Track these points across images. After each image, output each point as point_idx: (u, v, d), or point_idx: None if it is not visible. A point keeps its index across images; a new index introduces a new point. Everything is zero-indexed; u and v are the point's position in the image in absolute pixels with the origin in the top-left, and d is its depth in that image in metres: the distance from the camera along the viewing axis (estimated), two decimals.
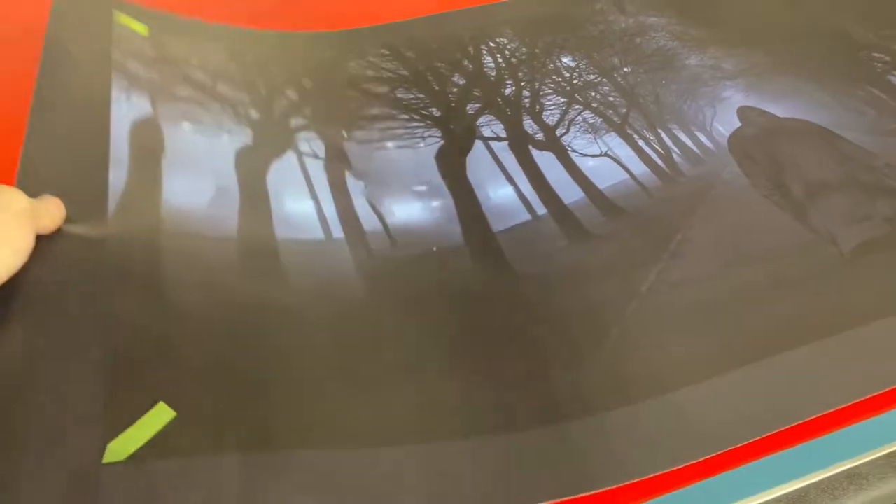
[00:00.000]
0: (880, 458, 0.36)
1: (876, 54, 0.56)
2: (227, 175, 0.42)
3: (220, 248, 0.38)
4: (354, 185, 0.44)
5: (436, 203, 0.43)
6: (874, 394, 0.34)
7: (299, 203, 0.42)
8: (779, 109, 0.50)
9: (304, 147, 0.46)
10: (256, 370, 0.32)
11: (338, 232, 0.40)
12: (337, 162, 0.45)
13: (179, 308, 0.33)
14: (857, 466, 0.38)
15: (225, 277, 0.36)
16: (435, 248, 0.40)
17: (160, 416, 0.28)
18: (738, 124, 0.49)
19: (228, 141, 0.45)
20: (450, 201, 0.44)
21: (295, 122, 0.48)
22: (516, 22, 0.60)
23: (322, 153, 0.46)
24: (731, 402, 0.33)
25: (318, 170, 0.44)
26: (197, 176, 0.42)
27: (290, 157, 0.45)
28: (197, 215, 0.39)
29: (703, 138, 0.48)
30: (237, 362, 0.32)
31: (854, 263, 0.39)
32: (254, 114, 0.48)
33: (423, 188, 0.44)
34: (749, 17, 0.60)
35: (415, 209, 0.43)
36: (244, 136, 0.45)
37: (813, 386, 0.34)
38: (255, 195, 0.42)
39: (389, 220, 0.42)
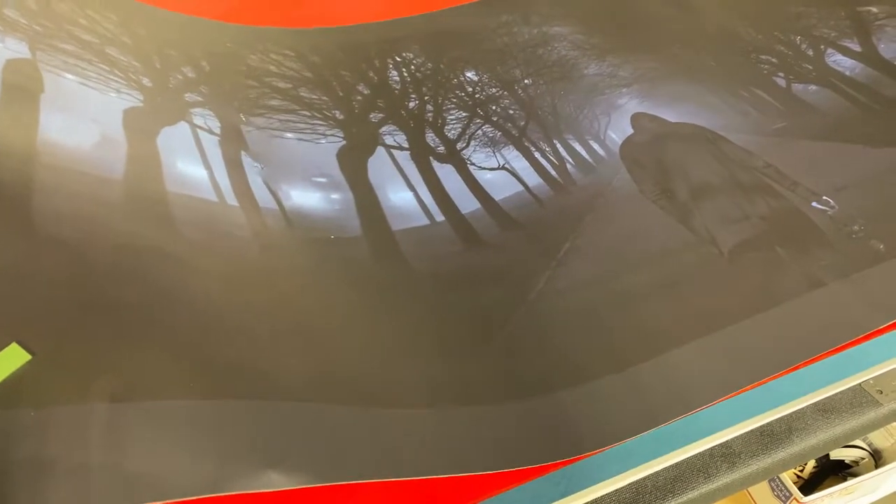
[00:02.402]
0: (752, 433, 0.38)
1: (763, 56, 0.58)
2: (114, 128, 0.41)
3: (103, 187, 0.36)
4: (250, 165, 0.44)
5: (335, 196, 0.44)
6: (748, 388, 0.36)
7: (192, 168, 0.41)
8: (670, 114, 0.52)
9: (198, 121, 0.45)
10: (134, 312, 0.30)
11: (232, 201, 0.40)
12: (233, 141, 0.45)
13: (48, 242, 0.31)
14: (729, 443, 0.40)
15: (105, 214, 0.34)
16: (332, 237, 0.41)
17: (12, 358, 0.26)
18: (631, 131, 0.51)
19: (117, 99, 0.44)
20: (349, 195, 0.44)
21: (190, 97, 0.48)
22: (423, 36, 0.61)
23: (217, 130, 0.45)
24: (610, 402, 0.35)
25: (212, 145, 0.44)
26: (80, 120, 0.40)
27: (182, 128, 0.44)
28: (79, 154, 0.37)
29: (596, 147, 0.50)
30: (112, 304, 0.30)
31: (732, 262, 0.42)
32: (146, 82, 0.47)
33: (323, 180, 0.45)
34: (646, 24, 0.62)
35: (313, 198, 0.43)
36: (133, 99, 0.45)
37: (688, 384, 0.36)
38: (144, 151, 0.41)
39: (286, 202, 0.42)
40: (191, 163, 0.41)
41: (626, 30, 0.62)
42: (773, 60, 0.58)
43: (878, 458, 0.72)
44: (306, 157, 0.46)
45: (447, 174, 0.48)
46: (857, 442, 0.73)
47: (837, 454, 0.73)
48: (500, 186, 0.47)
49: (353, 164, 0.46)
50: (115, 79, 0.45)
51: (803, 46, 0.59)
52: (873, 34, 0.60)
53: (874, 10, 0.62)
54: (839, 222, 0.43)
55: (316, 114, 0.50)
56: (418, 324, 0.36)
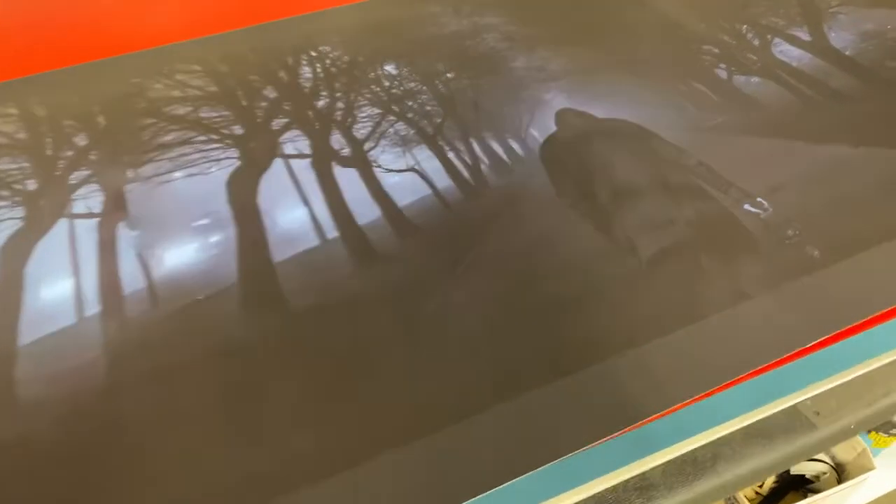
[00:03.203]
0: (672, 462, 0.35)
1: (706, 46, 0.54)
2: None
3: None
4: (127, 239, 0.40)
5: (215, 238, 0.40)
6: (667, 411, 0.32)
7: (57, 286, 0.37)
8: (600, 110, 0.48)
9: (78, 208, 0.41)
10: None
11: (93, 308, 0.36)
12: (113, 214, 0.41)
13: None
14: (646, 474, 0.36)
15: None
16: (202, 297, 0.36)
17: None
18: (554, 128, 0.47)
19: None
20: (231, 232, 0.40)
21: (76, 176, 0.44)
22: (346, 28, 0.57)
23: (98, 208, 0.41)
24: (515, 429, 0.31)
25: (88, 230, 0.40)
26: None
27: (59, 231, 0.40)
28: None
29: (516, 146, 0.46)
30: None
31: (651, 273, 0.37)
32: (30, 185, 0.43)
33: (205, 221, 0.41)
34: (584, 13, 0.58)
35: (188, 252, 0.39)
36: (7, 207, 0.41)
37: (597, 411, 0.32)
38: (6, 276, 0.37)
39: (156, 273, 0.38)
40: (60, 277, 0.37)
41: (562, 20, 0.58)
42: (716, 51, 0.54)
43: (840, 472, 0.68)
44: (192, 196, 0.42)
45: (349, 180, 0.43)
46: (820, 455, 0.69)
47: (798, 468, 0.69)
48: (405, 190, 0.43)
49: (244, 188, 0.42)
50: None
51: (749, 36, 0.55)
52: (825, 22, 0.56)
53: None
54: (772, 226, 0.39)
55: (213, 136, 0.46)
56: (301, 385, 0.32)
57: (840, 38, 0.54)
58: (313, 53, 0.54)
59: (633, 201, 0.41)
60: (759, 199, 0.41)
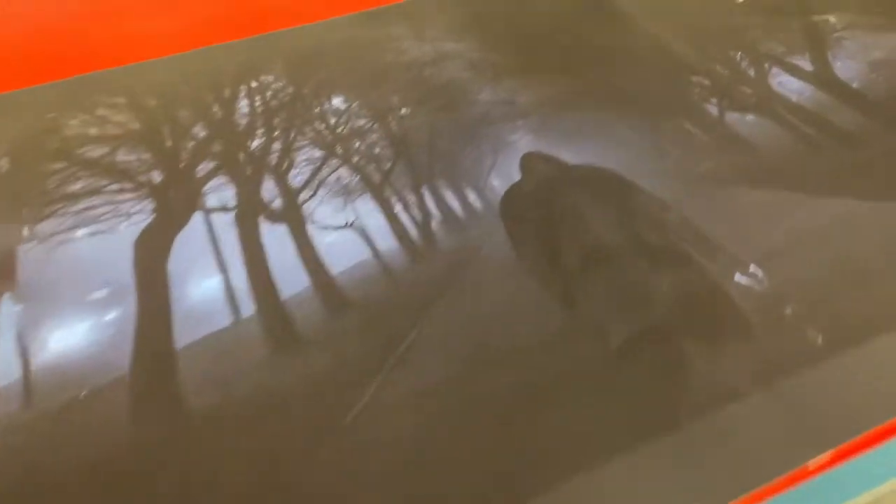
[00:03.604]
0: None
1: (695, 77, 0.48)
2: None
3: None
4: (8, 316, 0.34)
5: (111, 315, 0.34)
6: None
7: None
8: (572, 152, 0.42)
9: None
10: None
11: None
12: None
13: None
14: None
15: None
16: (83, 394, 0.30)
17: None
18: (518, 176, 0.41)
19: None
20: (132, 308, 0.34)
21: None
22: (294, 54, 0.51)
23: None
24: None
25: None
26: None
27: None
28: None
29: (473, 198, 0.40)
30: None
31: (622, 363, 0.31)
32: None
33: (102, 293, 0.35)
34: (560, 37, 0.52)
35: (78, 334, 0.33)
36: None
37: None
38: None
39: (35, 364, 0.32)
40: None
41: (535, 46, 0.52)
42: (706, 82, 0.48)
43: None
44: (94, 261, 0.36)
45: (277, 240, 0.37)
46: None
47: None
48: (341, 254, 0.37)
49: (154, 250, 0.36)
50: None
51: (744, 65, 0.49)
52: (829, 49, 0.49)
53: (832, 19, 0.52)
54: (767, 303, 0.33)
55: (127, 184, 0.40)
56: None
57: (846, 67, 0.48)
58: (254, 84, 0.48)
59: (605, 269, 0.35)
60: (751, 268, 0.35)
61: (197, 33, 0.53)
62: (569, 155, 0.42)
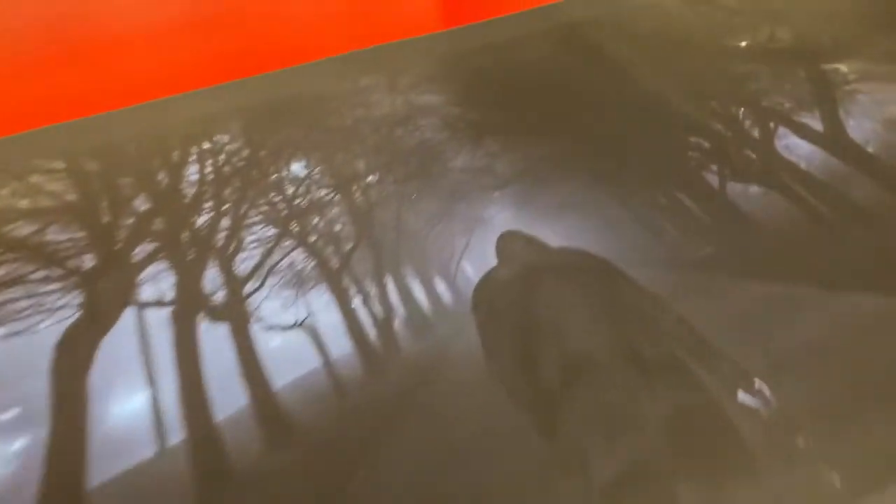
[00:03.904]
0: None
1: (694, 138, 0.44)
2: None
3: None
4: None
5: (18, 443, 0.29)
6: None
7: None
8: (554, 232, 0.37)
9: None
10: None
11: None
12: None
13: None
14: None
15: None
16: None
17: None
18: (493, 262, 0.36)
19: None
20: (42, 434, 0.29)
21: None
22: (253, 109, 0.47)
23: None
24: None
25: None
26: None
27: None
28: None
29: (442, 287, 0.35)
30: None
31: None
32: None
33: (10, 414, 0.30)
34: (548, 92, 0.47)
35: None
36: None
37: None
38: None
39: None
40: None
41: (519, 102, 0.47)
42: (706, 145, 0.43)
43: None
44: (4, 371, 0.31)
45: (217, 342, 0.33)
46: None
47: None
48: (286, 362, 0.32)
49: (75, 356, 0.32)
50: None
51: (748, 123, 0.44)
52: (841, 104, 0.45)
53: (842, 68, 0.47)
54: (775, 431, 0.29)
55: (55, 271, 0.36)
56: None
57: (859, 127, 0.43)
58: (206, 145, 0.44)
59: (589, 384, 0.30)
60: (757, 384, 0.30)
61: (149, 83, 0.48)
62: (551, 235, 0.37)
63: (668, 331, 0.32)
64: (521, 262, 0.36)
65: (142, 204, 0.40)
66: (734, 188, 0.40)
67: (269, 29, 0.54)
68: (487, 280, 0.35)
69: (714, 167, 0.41)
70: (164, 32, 0.52)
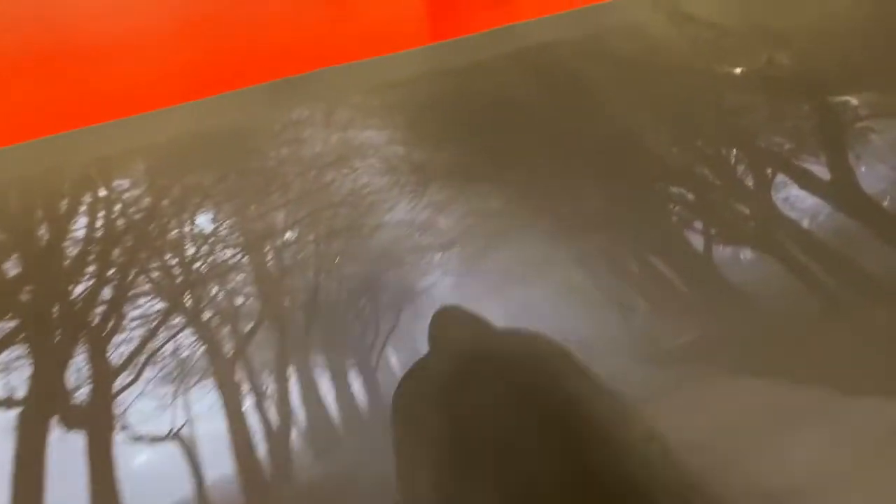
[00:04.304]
0: None
1: (675, 188, 0.37)
2: None
3: None
4: None
5: None
6: None
7: None
8: (503, 310, 0.31)
9: None
10: None
11: None
12: None
13: None
14: None
15: None
16: None
17: None
18: (425, 350, 0.29)
19: None
20: None
21: None
22: (161, 146, 0.40)
23: None
24: None
25: None
26: None
27: None
28: None
29: (357, 385, 0.28)
30: None
31: None
32: None
33: None
34: (510, 126, 0.41)
35: None
36: None
37: None
38: None
39: None
40: None
41: (476, 140, 0.40)
42: (690, 197, 0.36)
43: None
44: None
45: (67, 459, 0.26)
46: None
47: None
48: (152, 486, 0.25)
49: None
50: None
51: (741, 169, 0.38)
52: (851, 146, 0.38)
53: (853, 101, 0.40)
54: None
55: None
56: None
57: (873, 175, 0.36)
58: (102, 192, 0.37)
59: None
60: None
61: (45, 115, 0.42)
62: (499, 311, 0.30)
63: (643, 461, 0.25)
64: (457, 353, 0.29)
65: (12, 268, 0.33)
66: (723, 253, 0.33)
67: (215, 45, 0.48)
68: (413, 377, 0.28)
69: (698, 224, 0.34)
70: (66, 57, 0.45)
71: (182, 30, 0.47)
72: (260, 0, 0.49)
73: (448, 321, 0.30)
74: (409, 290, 0.32)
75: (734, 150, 0.38)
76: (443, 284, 0.32)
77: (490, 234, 0.34)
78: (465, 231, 0.35)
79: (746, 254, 0.33)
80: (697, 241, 0.33)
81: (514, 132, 0.40)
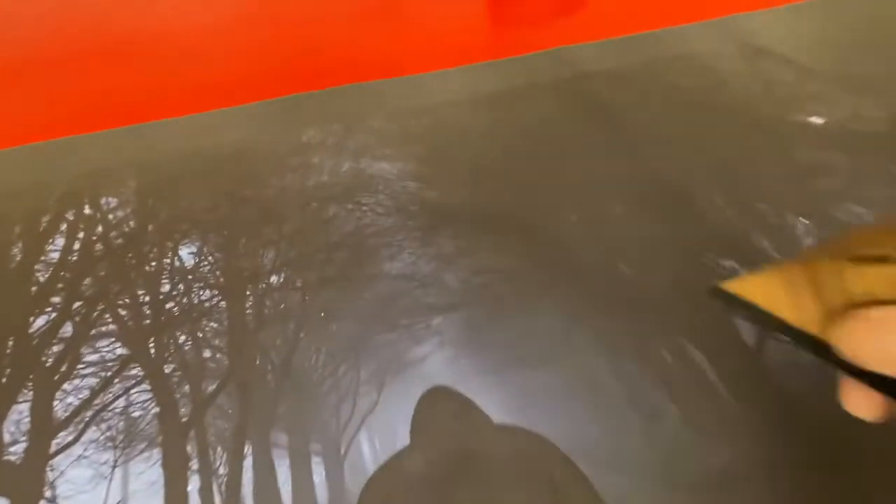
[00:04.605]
0: None
1: (726, 260, 0.31)
2: None
3: None
4: None
5: None
6: None
7: None
8: (502, 396, 0.26)
9: None
10: None
11: None
12: None
13: None
14: None
15: None
16: None
17: None
18: (405, 443, 0.25)
19: None
20: None
21: None
22: (157, 164, 0.37)
23: None
24: None
25: None
26: None
27: None
28: None
29: (320, 475, 0.24)
30: None
31: None
32: None
33: None
34: (535, 169, 0.36)
35: None
36: None
37: None
38: None
39: None
40: None
41: (492, 180, 0.36)
42: (743, 274, 0.30)
43: None
44: None
45: None
46: None
47: None
48: None
49: None
50: None
51: (808, 241, 0.32)
52: None
53: None
54: None
55: None
56: None
57: None
58: (87, 209, 0.34)
59: None
60: None
61: (44, 119, 0.39)
62: (497, 400, 0.26)
63: None
64: (441, 451, 0.24)
65: None
66: (780, 354, 0.27)
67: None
68: (384, 475, 0.24)
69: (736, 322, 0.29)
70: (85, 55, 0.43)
71: (201, 33, 0.44)
72: (313, 5, 0.46)
73: (436, 409, 0.26)
74: (398, 360, 0.27)
75: (804, 220, 0.32)
76: (437, 357, 0.27)
77: (500, 299, 0.29)
78: (473, 292, 0.30)
79: (810, 357, 0.27)
80: (749, 335, 0.28)
81: (543, 175, 0.35)
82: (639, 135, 0.37)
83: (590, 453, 0.24)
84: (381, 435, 0.25)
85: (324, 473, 0.24)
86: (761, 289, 0.19)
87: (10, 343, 0.28)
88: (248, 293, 0.30)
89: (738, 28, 0.44)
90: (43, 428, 0.26)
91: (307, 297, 0.30)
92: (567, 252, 0.31)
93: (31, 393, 0.27)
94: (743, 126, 0.38)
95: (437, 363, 0.27)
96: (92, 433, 0.25)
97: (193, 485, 0.24)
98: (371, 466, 0.24)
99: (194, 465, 0.25)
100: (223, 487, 0.24)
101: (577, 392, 0.26)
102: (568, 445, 0.24)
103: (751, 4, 0.45)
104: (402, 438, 0.25)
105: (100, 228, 0.33)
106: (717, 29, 0.44)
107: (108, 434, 0.25)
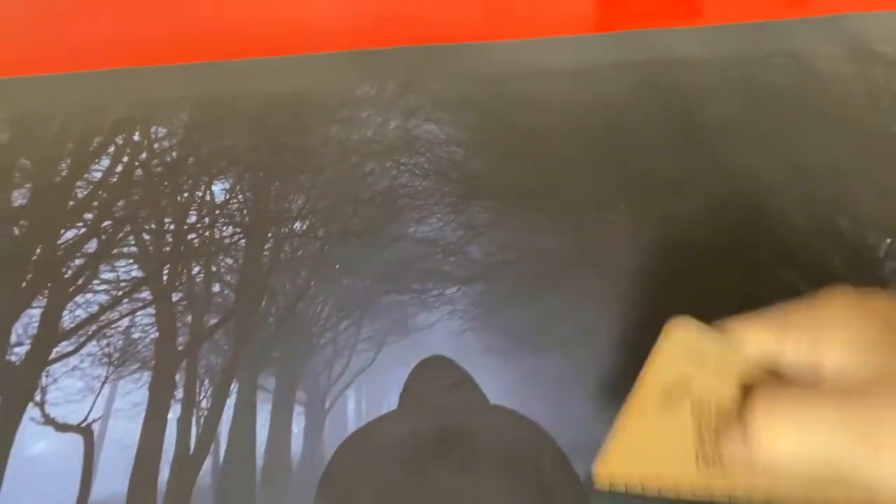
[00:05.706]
0: None
1: (803, 282, 0.27)
2: None
3: None
4: None
5: None
6: None
7: None
8: (508, 373, 0.24)
9: None
10: None
11: None
12: None
13: None
14: None
15: None
16: None
17: None
18: (392, 402, 0.23)
19: None
20: None
21: None
22: (211, 101, 0.37)
23: None
24: None
25: None
26: None
27: None
28: None
29: (297, 427, 0.23)
30: None
31: None
32: None
33: None
34: (591, 154, 0.33)
35: None
36: None
37: None
38: None
39: None
40: None
41: (542, 158, 0.33)
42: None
43: None
44: None
45: None
46: None
47: None
48: (40, 481, 0.22)
49: None
50: None
51: (889, 268, 0.27)
52: None
53: None
54: None
55: None
56: None
57: None
58: (136, 136, 0.35)
59: None
60: None
61: (116, 47, 0.40)
62: (498, 381, 0.24)
63: None
64: (427, 422, 0.23)
65: (19, 197, 0.32)
66: None
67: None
68: (362, 438, 0.22)
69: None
70: None
71: None
72: None
73: (431, 378, 0.24)
74: (403, 323, 0.26)
75: (888, 240, 0.28)
76: (444, 327, 0.26)
77: (521, 278, 0.27)
78: (495, 267, 0.28)
79: None
80: None
81: (599, 159, 0.32)
82: (715, 130, 0.34)
83: (590, 453, 0.21)
84: (369, 396, 0.24)
85: (303, 424, 0.23)
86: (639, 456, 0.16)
87: (38, 251, 0.29)
88: (269, 235, 0.30)
89: (848, 28, 0.39)
90: (48, 336, 0.26)
91: (326, 248, 0.29)
92: (603, 242, 0.29)
93: (45, 300, 0.27)
94: (836, 135, 0.34)
95: (443, 333, 0.25)
96: (91, 347, 0.25)
97: (174, 413, 0.23)
98: (353, 425, 0.23)
99: (179, 393, 0.24)
100: (201, 420, 0.23)
101: (585, 388, 0.23)
102: (564, 441, 0.22)
103: (866, 4, 0.40)
104: (391, 403, 0.23)
105: (144, 155, 0.34)
106: (824, 27, 0.39)
107: (105, 350, 0.25)
